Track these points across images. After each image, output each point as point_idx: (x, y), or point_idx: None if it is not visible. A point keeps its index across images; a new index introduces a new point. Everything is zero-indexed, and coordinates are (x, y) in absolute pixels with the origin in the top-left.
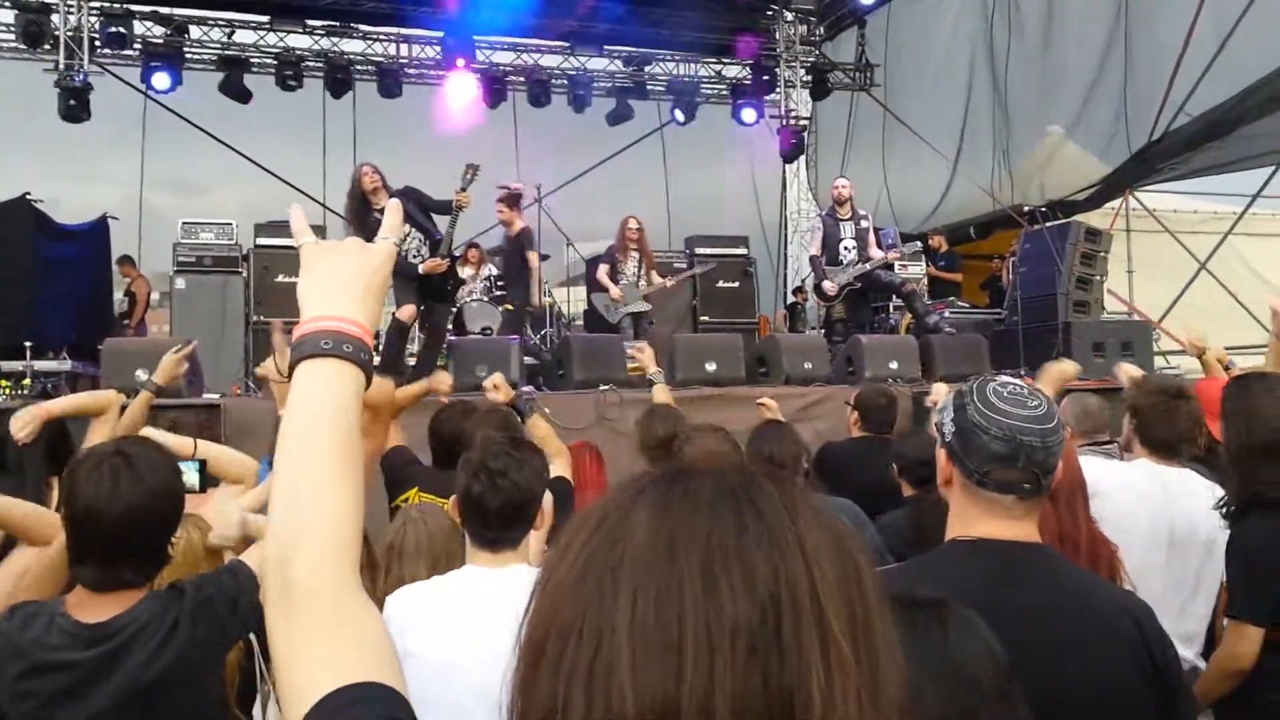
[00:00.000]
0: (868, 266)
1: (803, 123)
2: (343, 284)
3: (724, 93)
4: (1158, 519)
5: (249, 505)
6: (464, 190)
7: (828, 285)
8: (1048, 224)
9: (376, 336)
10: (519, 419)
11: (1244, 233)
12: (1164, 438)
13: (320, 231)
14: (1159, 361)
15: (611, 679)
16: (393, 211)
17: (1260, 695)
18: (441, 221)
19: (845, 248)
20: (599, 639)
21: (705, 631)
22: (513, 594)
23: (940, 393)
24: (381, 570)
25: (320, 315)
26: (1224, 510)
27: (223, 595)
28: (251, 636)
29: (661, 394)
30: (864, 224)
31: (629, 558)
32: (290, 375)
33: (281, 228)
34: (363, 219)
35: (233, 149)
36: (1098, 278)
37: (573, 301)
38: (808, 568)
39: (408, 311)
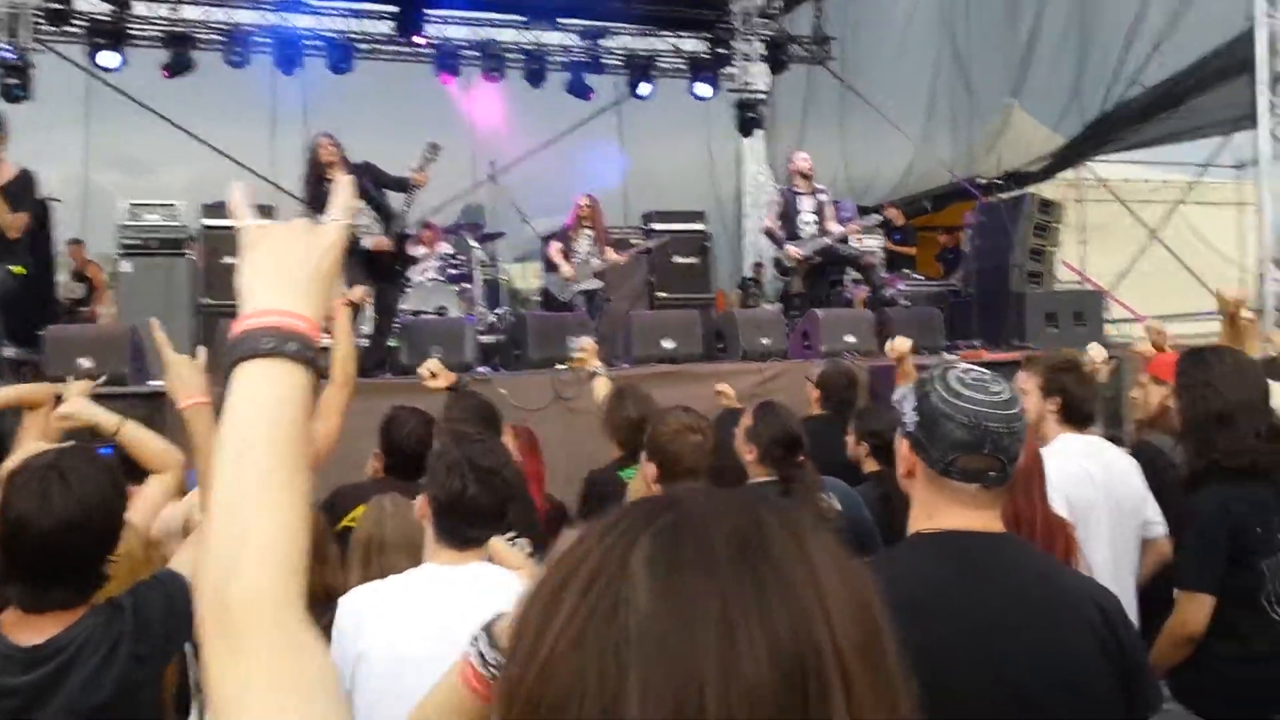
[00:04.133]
0: (828, 240)
1: (759, 97)
2: (287, 271)
3: (680, 66)
4: (1100, 487)
5: (174, 517)
6: (421, 169)
7: (792, 250)
8: (1002, 195)
9: (326, 330)
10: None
11: (1194, 201)
12: (1089, 412)
13: (269, 212)
14: (1110, 330)
15: None
16: (343, 187)
17: (1207, 659)
18: (397, 199)
19: (804, 221)
20: (604, 716)
21: (728, 702)
22: (473, 587)
23: (903, 346)
24: (357, 564)
25: (262, 309)
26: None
27: (161, 610)
28: (186, 645)
29: (603, 389)
30: (822, 198)
31: (636, 632)
32: (227, 377)
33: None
34: (317, 194)
35: (179, 127)
36: (1051, 249)
37: (528, 277)
38: (830, 627)
39: (358, 293)
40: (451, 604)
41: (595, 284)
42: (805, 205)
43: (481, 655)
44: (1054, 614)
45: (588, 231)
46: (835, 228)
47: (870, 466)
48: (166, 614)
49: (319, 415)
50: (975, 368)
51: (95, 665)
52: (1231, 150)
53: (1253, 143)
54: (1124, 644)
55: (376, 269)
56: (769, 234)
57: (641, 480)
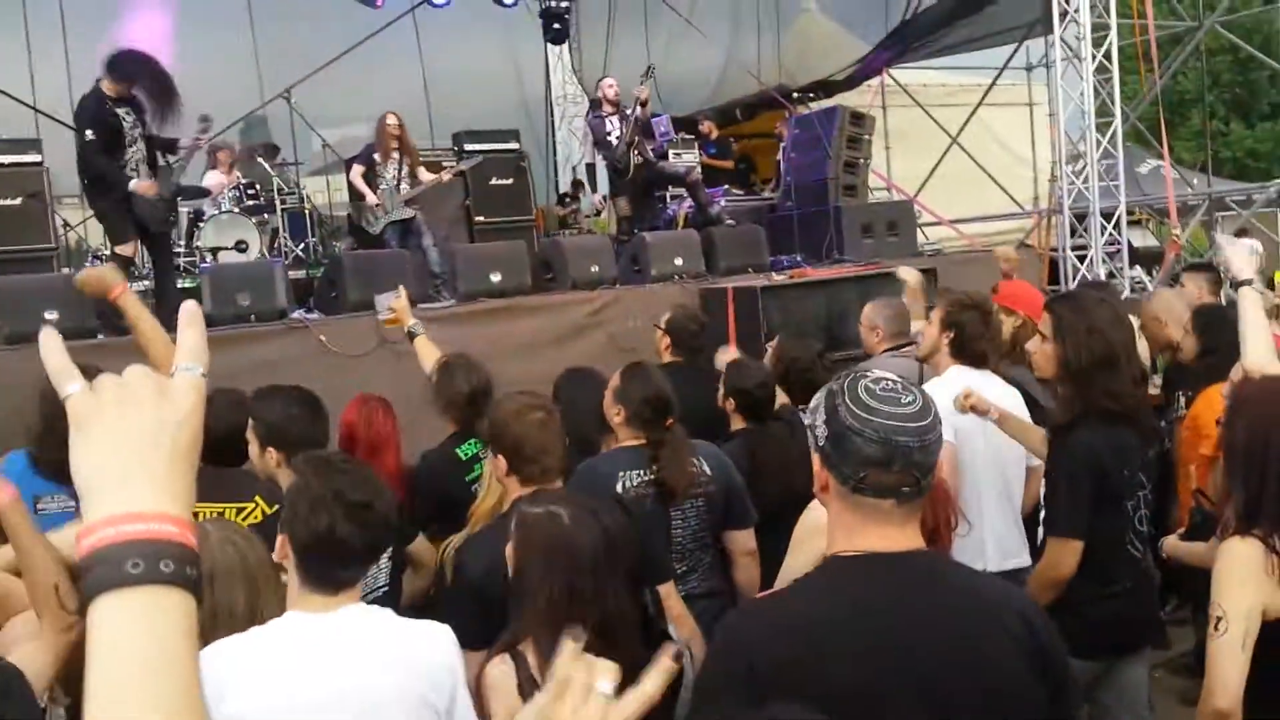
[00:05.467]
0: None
1: (564, 3)
2: (138, 454)
3: None
4: (986, 429)
5: None
6: (196, 137)
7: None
8: (813, 106)
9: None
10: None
11: (990, 104)
12: (982, 350)
13: (35, 146)
14: (920, 237)
15: None
16: (192, 326)
17: (1071, 598)
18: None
19: (613, 139)
20: None
21: None
22: (344, 634)
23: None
24: None
25: (118, 514)
26: (1051, 425)
27: None
28: None
29: (425, 346)
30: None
31: None
32: (81, 611)
33: None
34: (101, 118)
35: None
36: (863, 161)
37: (330, 191)
38: None
39: (130, 248)
40: (328, 656)
41: (406, 213)
42: (611, 125)
43: None
44: (977, 629)
45: (396, 155)
46: (650, 149)
47: (738, 423)
48: None
49: None
50: (886, 376)
51: None
52: (1020, 52)
53: (1043, 46)
54: (1049, 658)
55: (141, 221)
56: (598, 163)
57: (492, 475)
